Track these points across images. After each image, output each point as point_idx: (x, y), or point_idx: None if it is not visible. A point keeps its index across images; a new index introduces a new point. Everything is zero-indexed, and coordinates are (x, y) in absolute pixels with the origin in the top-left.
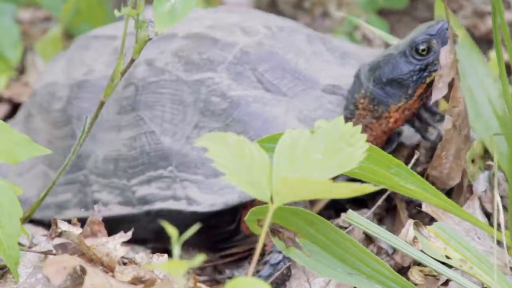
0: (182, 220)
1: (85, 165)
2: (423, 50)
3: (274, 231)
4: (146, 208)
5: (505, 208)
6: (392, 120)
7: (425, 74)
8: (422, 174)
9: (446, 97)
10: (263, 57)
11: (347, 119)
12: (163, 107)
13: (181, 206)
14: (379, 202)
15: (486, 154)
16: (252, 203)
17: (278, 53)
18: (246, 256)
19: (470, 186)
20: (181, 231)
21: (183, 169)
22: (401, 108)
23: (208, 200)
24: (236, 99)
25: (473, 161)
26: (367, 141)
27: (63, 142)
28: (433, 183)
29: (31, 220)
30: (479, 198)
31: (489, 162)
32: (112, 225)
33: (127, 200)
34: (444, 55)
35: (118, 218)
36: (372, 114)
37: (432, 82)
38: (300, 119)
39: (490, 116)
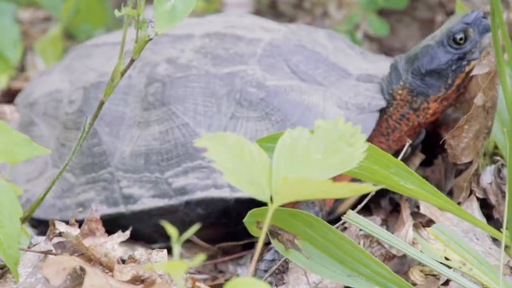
0: (223, 207)
1: (109, 163)
2: (460, 39)
3: (273, 233)
4: (185, 198)
5: None
6: (430, 111)
7: (464, 63)
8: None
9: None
10: (293, 49)
11: (386, 108)
12: (195, 100)
13: (225, 193)
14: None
15: (496, 150)
16: None
17: (306, 46)
18: (247, 252)
19: (478, 175)
20: (220, 219)
21: None
22: (440, 99)
23: None
24: (273, 88)
25: (484, 154)
26: (402, 132)
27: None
28: (446, 153)
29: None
30: (484, 190)
31: (497, 157)
32: (143, 219)
33: (162, 193)
34: (488, 37)
35: (151, 212)
36: (411, 105)
37: (471, 71)
38: (340, 106)
39: (503, 111)
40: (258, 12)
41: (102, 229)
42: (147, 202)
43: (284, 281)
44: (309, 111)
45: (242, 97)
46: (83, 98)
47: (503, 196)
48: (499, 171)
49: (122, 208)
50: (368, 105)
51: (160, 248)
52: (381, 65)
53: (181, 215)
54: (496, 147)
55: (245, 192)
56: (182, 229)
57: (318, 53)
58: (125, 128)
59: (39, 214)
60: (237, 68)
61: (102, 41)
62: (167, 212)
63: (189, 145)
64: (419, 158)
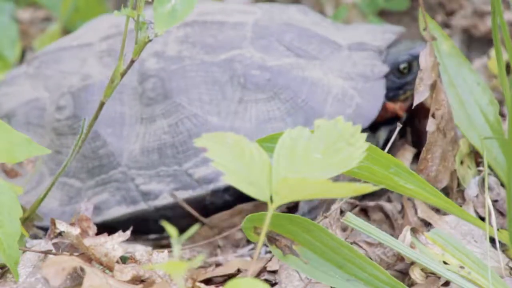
0: None
1: (119, 163)
2: (404, 69)
3: (271, 239)
4: (211, 187)
5: (499, 212)
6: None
7: (401, 92)
8: None
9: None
10: (282, 28)
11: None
12: (198, 90)
13: None
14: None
15: (475, 155)
16: None
17: (292, 23)
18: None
19: (461, 191)
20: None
21: None
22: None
23: None
24: (276, 68)
25: (461, 162)
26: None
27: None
28: None
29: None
30: (472, 203)
31: (480, 168)
32: (166, 214)
33: (185, 184)
34: (424, 58)
35: (175, 205)
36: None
37: (407, 99)
38: (343, 77)
39: (482, 124)
40: None
41: (94, 228)
42: (169, 196)
43: (276, 280)
44: (315, 86)
45: (247, 80)
46: (73, 103)
47: (496, 201)
48: (483, 181)
49: (143, 205)
50: (372, 73)
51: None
52: (362, 32)
53: (207, 204)
54: (475, 151)
55: None
56: (206, 215)
57: (306, 29)
58: (128, 126)
59: (47, 222)
60: (233, 53)
61: (67, 45)
62: (192, 203)
63: (203, 134)
64: (410, 152)
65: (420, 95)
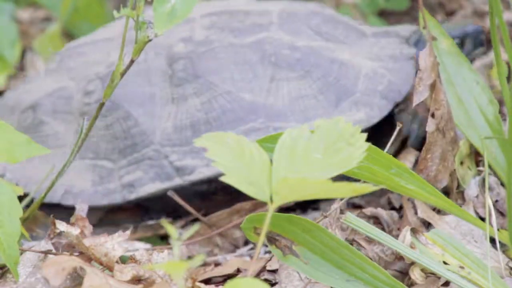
0: None
1: (152, 141)
2: (457, 44)
3: (271, 239)
4: None
5: (499, 212)
6: None
7: None
8: None
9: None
10: (309, 14)
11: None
12: (229, 69)
13: None
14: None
15: (475, 155)
16: None
17: (317, 11)
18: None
19: (461, 192)
20: None
21: (274, 119)
22: None
23: None
24: (306, 49)
25: (461, 162)
26: None
27: (109, 129)
28: None
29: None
30: (472, 204)
31: (480, 168)
32: (200, 189)
33: None
34: (423, 58)
35: (210, 179)
36: None
37: None
38: (372, 59)
39: (481, 123)
40: None
41: (90, 228)
42: (205, 171)
43: (276, 280)
44: (345, 66)
45: (278, 59)
46: (103, 87)
47: (497, 202)
48: (483, 181)
49: (178, 181)
50: (401, 54)
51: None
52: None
53: None
54: (475, 151)
55: None
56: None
57: (331, 17)
58: (159, 106)
59: (81, 202)
60: (262, 35)
61: (88, 40)
62: None
63: (237, 110)
64: (413, 154)
65: (420, 95)
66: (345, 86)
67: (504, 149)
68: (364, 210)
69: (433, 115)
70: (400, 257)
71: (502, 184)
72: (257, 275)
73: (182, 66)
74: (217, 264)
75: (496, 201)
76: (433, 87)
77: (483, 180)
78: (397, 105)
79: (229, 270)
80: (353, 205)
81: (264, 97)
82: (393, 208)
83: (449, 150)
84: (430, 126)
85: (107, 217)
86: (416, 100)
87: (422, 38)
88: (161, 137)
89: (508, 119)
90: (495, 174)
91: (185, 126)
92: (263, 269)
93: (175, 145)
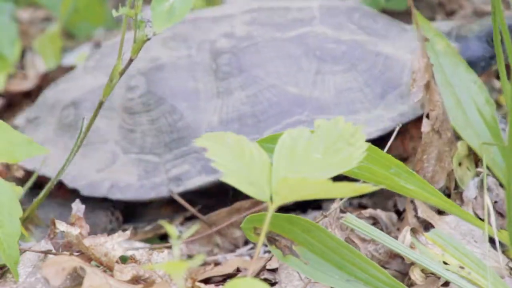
0: None
1: (198, 135)
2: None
3: (271, 239)
4: None
5: (498, 213)
6: None
7: (493, 62)
8: None
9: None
10: (349, 9)
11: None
12: (274, 63)
13: None
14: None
15: (474, 156)
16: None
17: (355, 6)
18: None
19: (459, 193)
20: None
21: (319, 112)
22: None
23: None
24: (351, 42)
25: (460, 164)
26: None
27: (154, 123)
28: None
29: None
30: (471, 205)
31: (479, 169)
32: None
33: None
34: (416, 59)
35: None
36: None
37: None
38: (414, 53)
39: (479, 123)
40: None
41: (87, 226)
42: None
43: (276, 280)
44: (390, 59)
45: (323, 52)
46: (146, 81)
47: (496, 203)
48: (482, 182)
49: (218, 176)
50: None
51: None
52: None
53: None
54: (473, 152)
55: None
56: None
57: (370, 11)
58: (204, 100)
59: (127, 195)
60: (304, 30)
61: (126, 38)
62: None
63: (283, 103)
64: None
65: (414, 96)
66: (391, 78)
67: (503, 153)
68: (363, 212)
69: (428, 116)
70: (394, 256)
71: (501, 185)
72: (257, 275)
73: (227, 60)
74: (217, 264)
75: (495, 202)
76: (427, 88)
77: (482, 181)
78: None
79: (229, 269)
80: (359, 205)
81: (309, 90)
82: (397, 211)
83: (446, 150)
84: (425, 127)
85: (149, 214)
86: (410, 100)
87: (463, 33)
88: (207, 131)
89: (509, 119)
90: (494, 175)
91: (231, 120)
92: (263, 268)
93: None
